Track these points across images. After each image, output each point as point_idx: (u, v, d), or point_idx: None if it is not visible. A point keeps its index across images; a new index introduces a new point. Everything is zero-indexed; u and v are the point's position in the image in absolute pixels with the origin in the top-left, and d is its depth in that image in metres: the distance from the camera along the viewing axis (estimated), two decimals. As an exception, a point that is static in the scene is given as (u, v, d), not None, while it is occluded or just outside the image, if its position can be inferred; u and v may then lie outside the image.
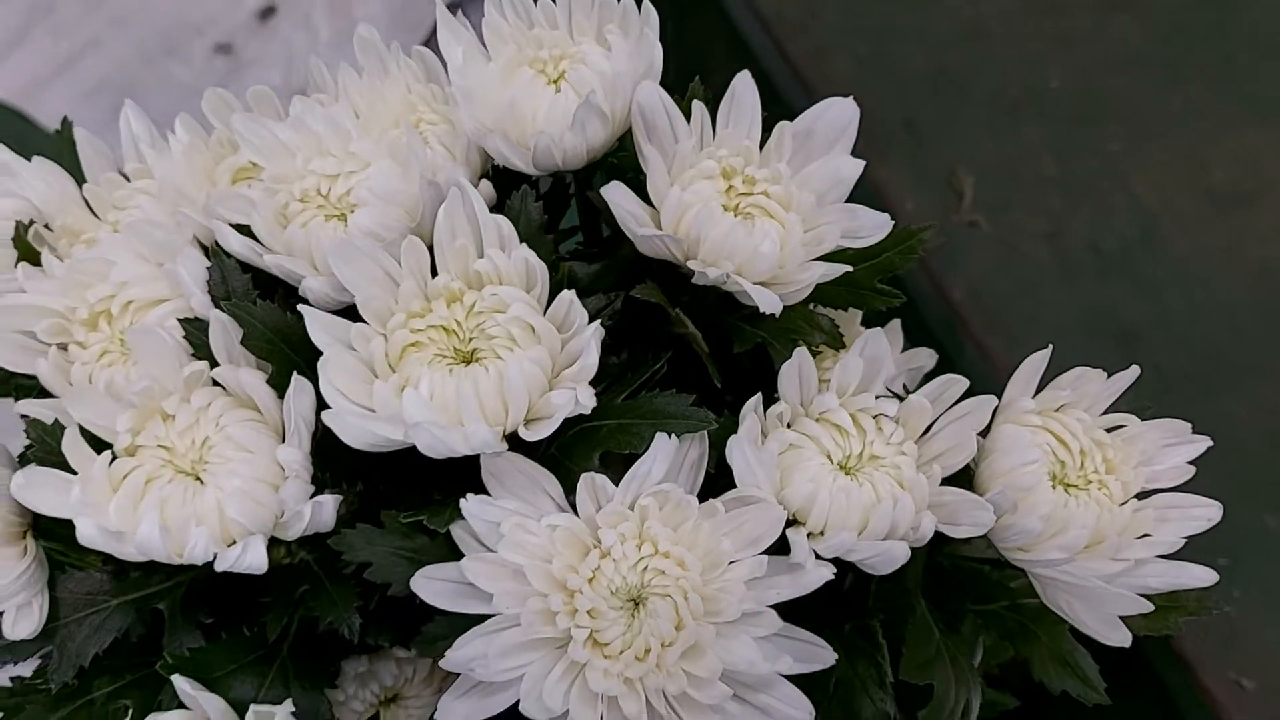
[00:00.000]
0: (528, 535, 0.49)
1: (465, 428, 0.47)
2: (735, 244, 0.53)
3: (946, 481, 0.53)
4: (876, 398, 0.53)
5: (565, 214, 0.66)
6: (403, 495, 0.55)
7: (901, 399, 0.53)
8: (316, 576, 0.54)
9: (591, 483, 0.50)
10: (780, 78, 1.04)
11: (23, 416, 0.56)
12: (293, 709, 0.49)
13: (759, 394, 0.52)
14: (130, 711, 0.56)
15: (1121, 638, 0.51)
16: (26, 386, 0.60)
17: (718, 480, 0.53)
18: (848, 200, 0.55)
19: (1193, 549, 0.58)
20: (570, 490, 0.51)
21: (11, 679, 0.62)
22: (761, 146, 0.56)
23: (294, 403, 0.49)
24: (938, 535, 0.58)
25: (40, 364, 0.54)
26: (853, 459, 0.52)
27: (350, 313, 0.52)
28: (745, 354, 0.58)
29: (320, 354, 0.50)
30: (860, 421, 0.52)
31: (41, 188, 0.60)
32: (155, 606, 0.56)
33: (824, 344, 0.58)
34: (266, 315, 0.52)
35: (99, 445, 0.50)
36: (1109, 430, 0.54)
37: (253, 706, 0.49)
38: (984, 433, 0.53)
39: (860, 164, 0.55)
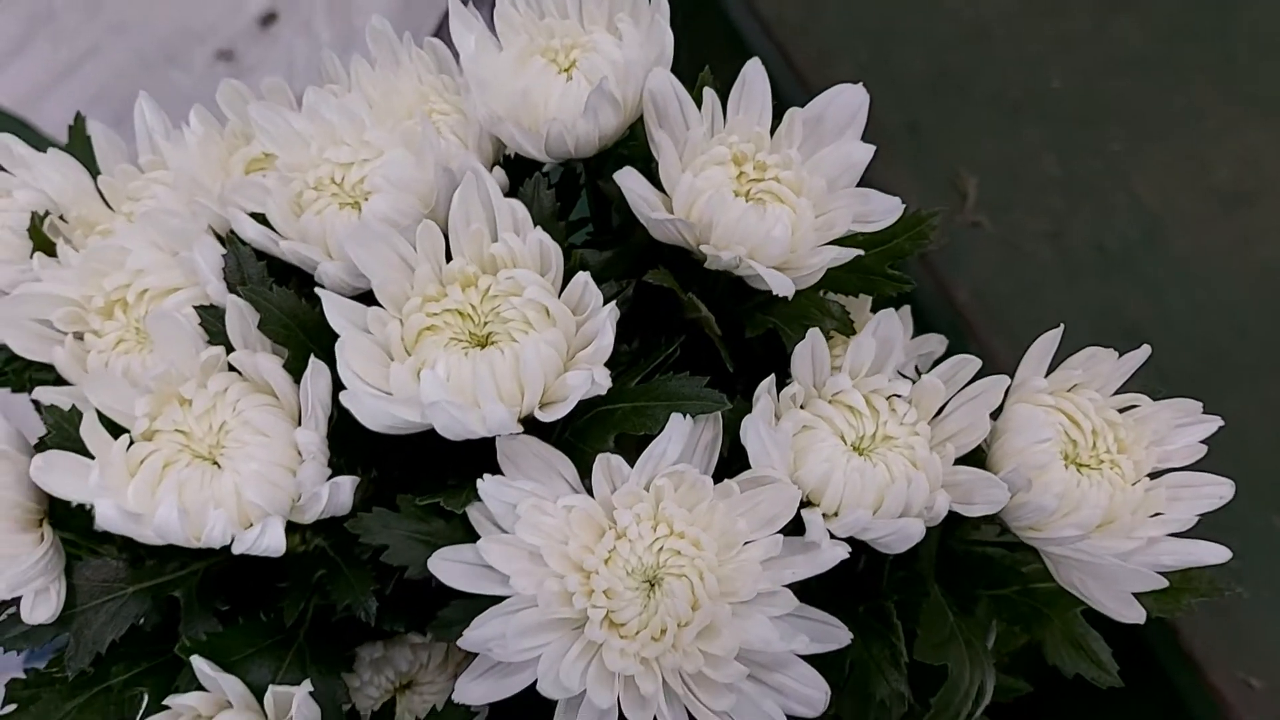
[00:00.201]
0: (544, 516, 0.50)
1: (482, 408, 0.48)
2: (747, 229, 0.53)
3: (959, 463, 0.53)
4: (889, 379, 0.53)
5: (575, 206, 0.67)
6: (417, 482, 0.55)
7: (914, 381, 0.53)
8: (333, 561, 0.54)
9: (607, 463, 0.50)
10: (782, 82, 1.05)
11: (39, 404, 0.57)
12: (311, 688, 0.49)
13: (772, 375, 0.53)
14: (146, 699, 0.56)
15: (1136, 615, 0.51)
16: (38, 380, 0.60)
17: (730, 465, 0.53)
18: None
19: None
20: (585, 473, 0.52)
21: (25, 670, 0.62)
22: (772, 133, 0.57)
23: (311, 385, 0.50)
24: (950, 520, 0.58)
25: (57, 352, 0.54)
26: (866, 440, 0.52)
27: (365, 299, 0.52)
28: (757, 340, 0.58)
29: (335, 339, 0.50)
30: (873, 402, 0.53)
31: (57, 179, 0.60)
32: (171, 594, 0.56)
33: (835, 330, 0.58)
34: (283, 301, 0.52)
35: (116, 431, 0.51)
36: (1121, 410, 0.54)
37: (271, 687, 0.49)
38: (995, 414, 0.54)
39: (870, 149, 0.56)
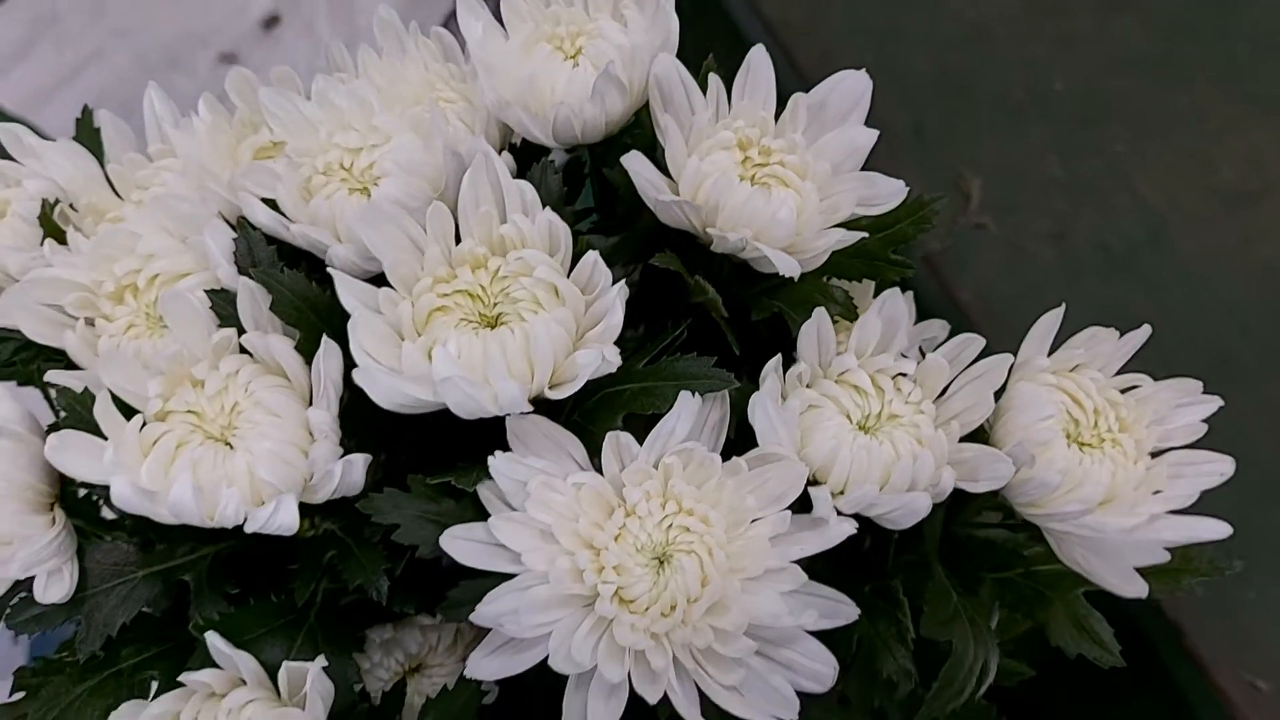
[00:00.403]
0: (554, 494, 0.50)
1: (494, 385, 0.48)
2: (753, 211, 0.54)
3: (963, 441, 0.53)
4: (895, 359, 0.54)
5: (580, 196, 0.67)
6: (426, 466, 0.55)
7: (919, 361, 0.54)
8: (343, 543, 0.54)
9: (616, 441, 0.51)
10: (786, 83, 1.05)
11: (47, 393, 0.57)
12: (325, 663, 0.49)
13: (779, 355, 0.53)
14: (157, 683, 0.56)
15: (1138, 589, 0.52)
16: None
17: (736, 448, 0.54)
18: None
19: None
20: (594, 453, 0.52)
21: (34, 658, 0.62)
22: (776, 120, 0.57)
23: (323, 365, 0.50)
24: (953, 503, 0.59)
25: (68, 336, 0.55)
26: (872, 419, 0.53)
27: (375, 283, 0.52)
28: (763, 325, 0.59)
29: (346, 321, 0.51)
30: (879, 382, 0.53)
31: (67, 167, 0.61)
32: (181, 578, 0.57)
33: (839, 315, 0.59)
34: (294, 283, 0.53)
35: (128, 413, 0.51)
36: (1122, 391, 0.55)
37: (285, 663, 0.49)
38: (998, 394, 0.54)
39: (874, 133, 0.56)
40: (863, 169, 0.57)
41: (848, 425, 0.52)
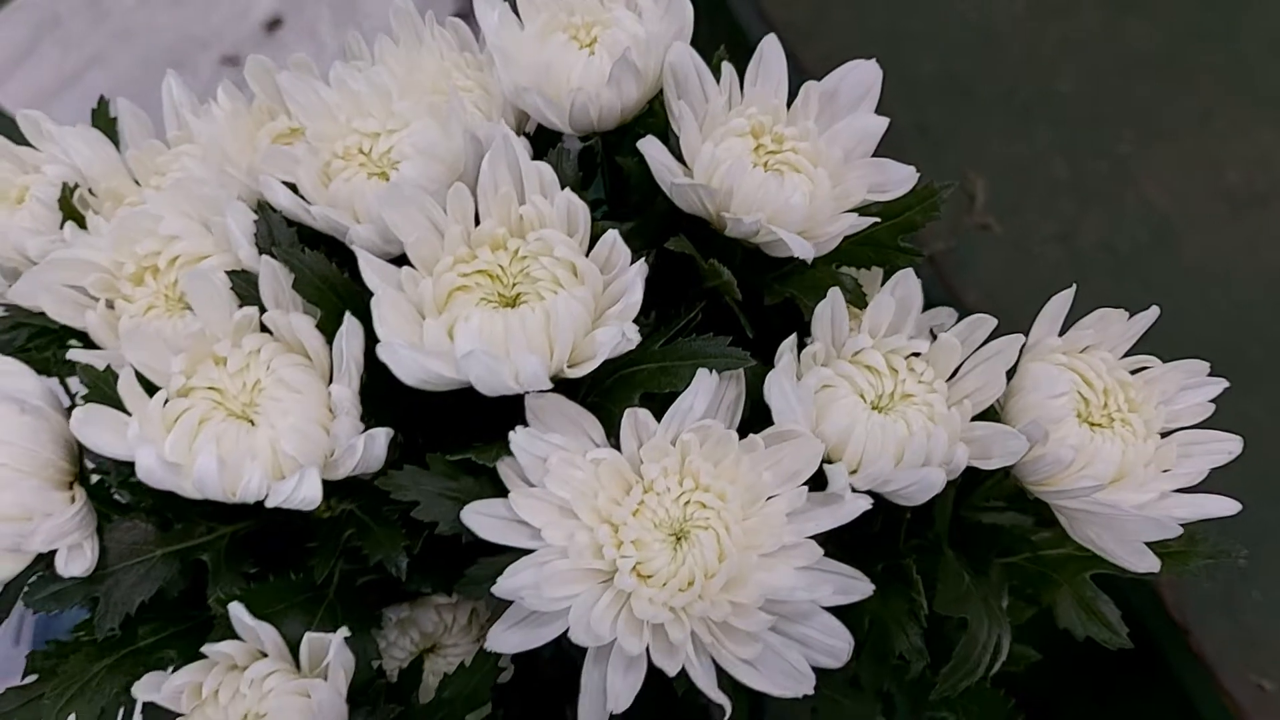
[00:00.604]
0: (573, 470, 0.51)
1: (515, 360, 0.49)
2: (767, 196, 0.55)
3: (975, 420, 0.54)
4: (908, 338, 0.54)
5: (592, 185, 0.68)
6: (440, 448, 0.56)
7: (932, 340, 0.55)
8: (362, 521, 0.55)
9: (634, 418, 0.51)
10: (791, 84, 1.06)
11: (68, 369, 0.58)
12: (349, 633, 0.50)
13: (794, 334, 0.54)
14: (174, 663, 0.57)
15: (1150, 564, 0.52)
16: (61, 361, 0.61)
17: (749, 428, 0.55)
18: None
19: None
20: (610, 433, 0.53)
21: (48, 642, 0.62)
22: (788, 108, 0.58)
23: (346, 342, 0.51)
24: (963, 487, 0.59)
25: (89, 315, 0.55)
26: (885, 398, 0.53)
27: (396, 264, 0.53)
28: (775, 311, 0.60)
29: (365, 302, 0.51)
30: (892, 362, 0.54)
31: (86, 152, 0.61)
32: (199, 558, 0.57)
33: (849, 301, 0.60)
34: (315, 262, 0.54)
35: (150, 391, 0.52)
36: (1131, 372, 0.55)
37: (307, 634, 0.49)
38: (1009, 375, 0.55)
39: (885, 121, 0.57)
40: (868, 163, 0.57)
41: (862, 404, 0.53)
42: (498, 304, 0.52)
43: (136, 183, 0.63)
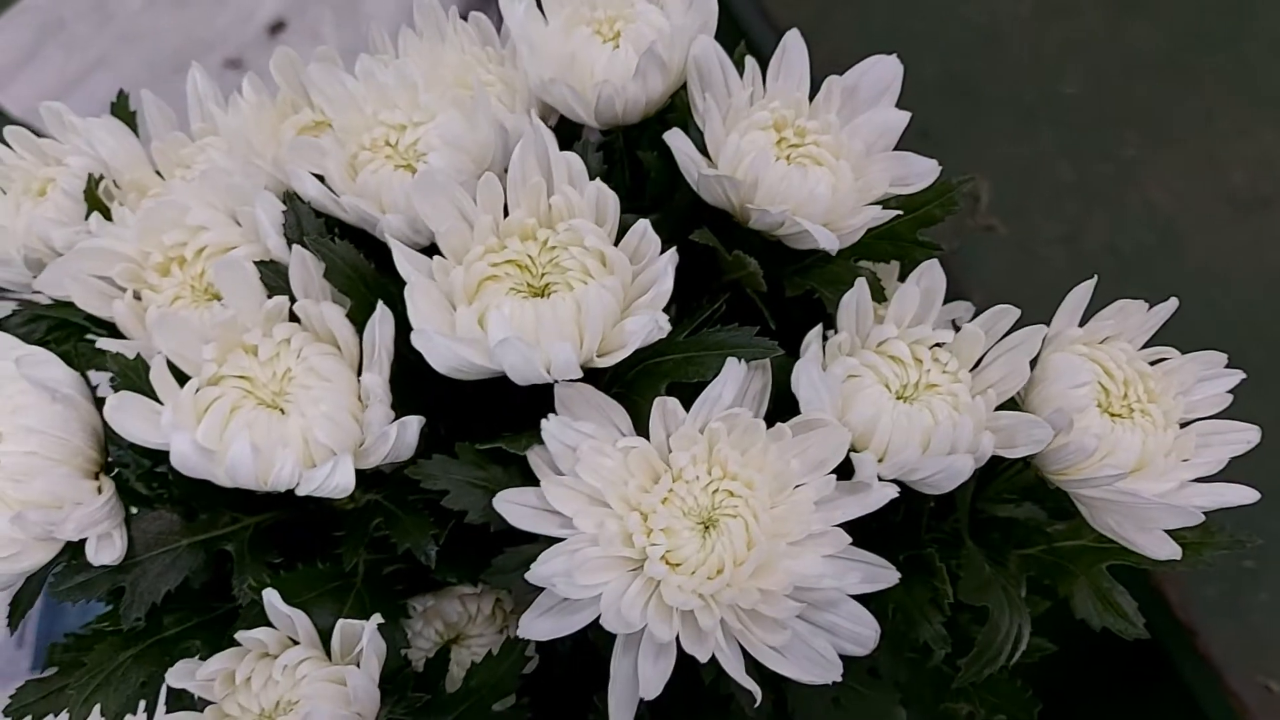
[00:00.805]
0: (603, 459, 0.51)
1: (547, 348, 0.49)
2: (791, 188, 0.55)
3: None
4: (933, 329, 0.55)
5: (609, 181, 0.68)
6: (463, 438, 0.56)
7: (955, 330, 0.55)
8: (389, 510, 0.55)
9: (663, 407, 0.52)
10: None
11: (92, 359, 0.58)
12: (382, 620, 0.50)
13: (820, 324, 0.54)
14: (199, 653, 0.57)
15: (1170, 550, 0.53)
16: (82, 355, 0.61)
17: (771, 420, 0.55)
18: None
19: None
20: (637, 424, 0.53)
21: (66, 635, 0.62)
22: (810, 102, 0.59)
23: (378, 331, 0.51)
24: (980, 479, 0.60)
25: (117, 305, 0.56)
26: (910, 388, 0.54)
27: (424, 254, 0.53)
28: (795, 306, 0.60)
29: (392, 293, 0.52)
30: (917, 353, 0.54)
31: (111, 143, 0.62)
32: (223, 548, 0.57)
33: (868, 294, 0.60)
34: (345, 252, 0.54)
35: (180, 380, 0.52)
36: (1150, 363, 0.56)
37: (340, 621, 0.50)
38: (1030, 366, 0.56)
39: (906, 115, 0.58)
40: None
41: (887, 394, 0.53)
42: (526, 294, 0.52)
43: (159, 175, 0.63)
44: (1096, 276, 0.55)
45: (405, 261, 0.51)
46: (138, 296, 0.57)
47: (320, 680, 0.49)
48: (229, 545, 0.57)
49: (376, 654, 0.50)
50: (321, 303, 0.52)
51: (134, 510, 0.58)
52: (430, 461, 0.53)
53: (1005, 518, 0.65)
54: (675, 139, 0.56)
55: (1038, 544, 0.64)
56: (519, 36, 0.58)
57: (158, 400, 0.51)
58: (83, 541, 0.53)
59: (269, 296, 0.54)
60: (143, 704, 0.58)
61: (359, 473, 0.52)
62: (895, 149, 0.59)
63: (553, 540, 0.51)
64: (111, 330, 0.58)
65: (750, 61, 0.58)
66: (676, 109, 0.63)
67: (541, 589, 0.50)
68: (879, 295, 0.60)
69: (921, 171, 0.57)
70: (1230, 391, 0.57)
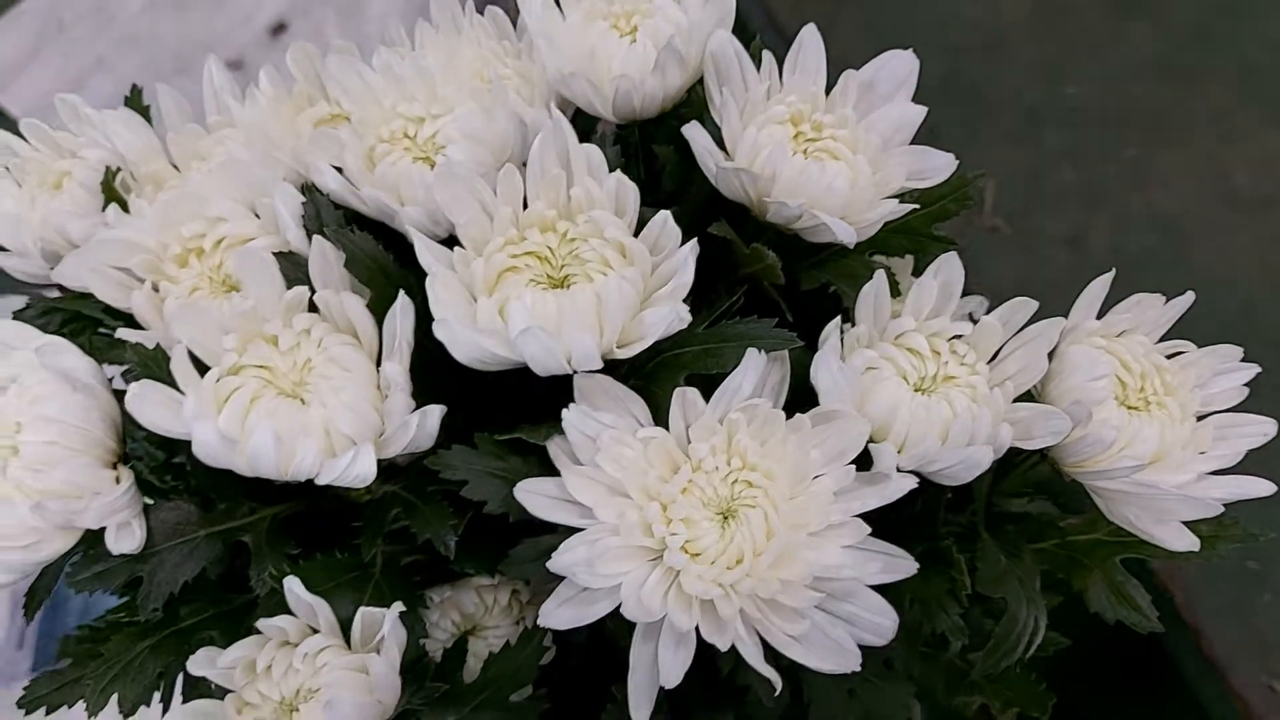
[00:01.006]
0: (623, 449, 0.51)
1: (568, 339, 0.49)
2: (808, 181, 0.55)
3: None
4: (951, 321, 0.55)
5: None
6: (480, 429, 0.56)
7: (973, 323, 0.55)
8: (408, 500, 0.55)
9: (683, 398, 0.52)
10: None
11: (106, 351, 0.58)
12: (404, 608, 0.50)
13: (839, 316, 0.55)
14: (215, 644, 0.57)
15: (1189, 542, 0.53)
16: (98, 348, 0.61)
17: (789, 412, 0.55)
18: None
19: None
20: (656, 414, 0.53)
21: (79, 627, 0.62)
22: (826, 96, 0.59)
23: (399, 321, 0.51)
24: (996, 472, 0.60)
25: (135, 296, 0.56)
26: (928, 380, 0.54)
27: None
28: (812, 298, 0.61)
29: (411, 284, 0.52)
30: (935, 345, 0.55)
31: (127, 135, 0.62)
32: (240, 539, 0.57)
33: (883, 289, 0.60)
34: (365, 243, 0.54)
35: (200, 370, 0.52)
36: (1167, 357, 0.56)
37: (361, 608, 0.50)
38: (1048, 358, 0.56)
39: (922, 110, 0.59)
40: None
41: (905, 386, 0.54)
42: (546, 285, 0.52)
43: (175, 167, 0.63)
44: (1115, 270, 0.55)
45: (426, 252, 0.51)
46: (156, 288, 0.57)
47: (341, 668, 0.49)
48: (247, 536, 0.57)
49: (398, 642, 0.50)
50: (342, 293, 0.52)
51: (149, 502, 0.59)
52: (450, 452, 0.53)
53: (1019, 512, 0.65)
54: (693, 132, 0.56)
55: (1051, 538, 0.65)
56: (537, 31, 0.59)
57: (178, 390, 0.51)
58: (100, 532, 0.52)
59: (288, 288, 0.54)
60: (157, 695, 0.58)
61: (377, 464, 0.52)
62: (907, 146, 0.59)
63: (572, 530, 0.51)
64: (129, 322, 0.58)
65: (768, 56, 0.59)
66: (691, 103, 0.63)
67: (559, 579, 0.51)
68: (894, 289, 0.61)
69: (938, 165, 0.57)
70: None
